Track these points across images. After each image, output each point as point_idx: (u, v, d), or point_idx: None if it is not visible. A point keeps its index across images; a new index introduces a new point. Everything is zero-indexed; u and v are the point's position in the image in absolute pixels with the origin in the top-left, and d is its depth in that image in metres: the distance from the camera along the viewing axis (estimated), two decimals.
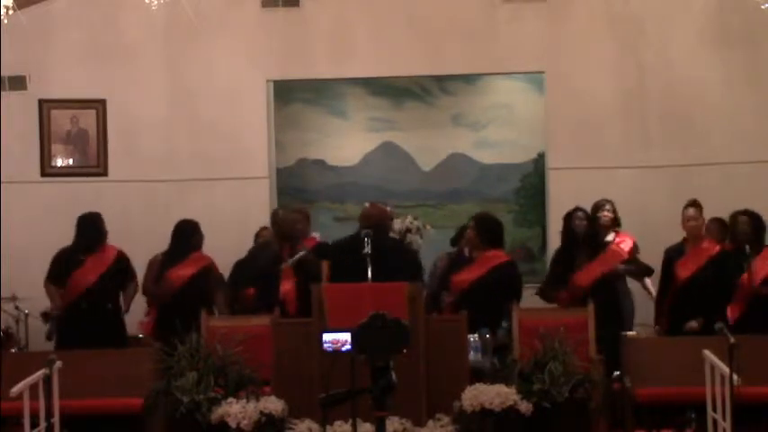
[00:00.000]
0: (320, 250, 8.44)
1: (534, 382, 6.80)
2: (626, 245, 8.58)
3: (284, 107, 11.06)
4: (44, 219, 9.87)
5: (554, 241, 9.47)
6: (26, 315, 9.44)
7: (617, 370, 7.54)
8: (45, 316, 9.03)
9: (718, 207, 8.59)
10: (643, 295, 8.85)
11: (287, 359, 7.12)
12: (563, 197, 9.43)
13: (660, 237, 8.66)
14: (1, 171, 9.73)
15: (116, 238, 8.79)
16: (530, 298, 8.60)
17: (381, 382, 4.40)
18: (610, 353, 7.48)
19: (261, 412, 6.74)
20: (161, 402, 6.95)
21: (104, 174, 10.32)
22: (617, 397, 7.36)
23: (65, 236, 8.66)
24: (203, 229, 9.02)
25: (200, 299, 8.22)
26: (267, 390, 7.01)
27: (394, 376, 4.42)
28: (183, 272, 8.53)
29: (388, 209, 8.83)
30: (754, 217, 8.19)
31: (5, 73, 9.98)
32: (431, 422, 6.86)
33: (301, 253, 8.28)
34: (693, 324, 7.86)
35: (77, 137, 10.34)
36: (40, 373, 6.48)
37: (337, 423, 6.68)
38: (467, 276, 8.05)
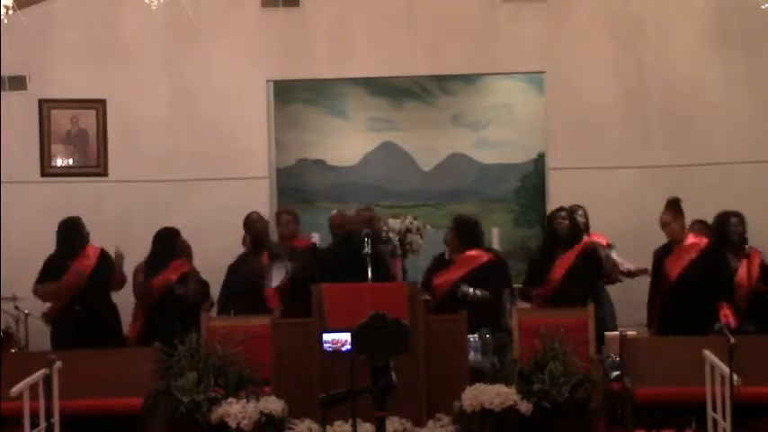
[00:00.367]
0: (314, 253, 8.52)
1: (534, 382, 6.81)
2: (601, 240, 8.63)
3: (284, 107, 11.06)
4: (44, 219, 9.83)
5: None
6: (26, 315, 9.43)
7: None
8: (45, 316, 9.02)
9: (719, 207, 8.59)
10: (630, 298, 8.81)
11: (287, 359, 7.12)
12: (563, 197, 9.42)
13: (660, 237, 8.64)
14: (1, 171, 9.73)
15: (116, 238, 8.79)
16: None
17: (381, 382, 4.41)
18: None
19: (261, 412, 6.74)
20: (161, 402, 6.95)
21: (104, 174, 10.32)
22: (617, 397, 7.35)
23: None
24: (203, 229, 9.04)
25: (182, 306, 8.23)
26: (267, 390, 7.01)
27: (394, 376, 4.42)
28: (165, 278, 8.49)
29: (373, 211, 8.87)
30: (743, 218, 8.22)
31: (5, 73, 9.98)
32: (431, 422, 6.87)
33: (287, 271, 8.32)
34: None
35: (77, 137, 10.34)
36: (40, 373, 6.47)
37: (337, 423, 6.69)
38: (447, 278, 8.03)
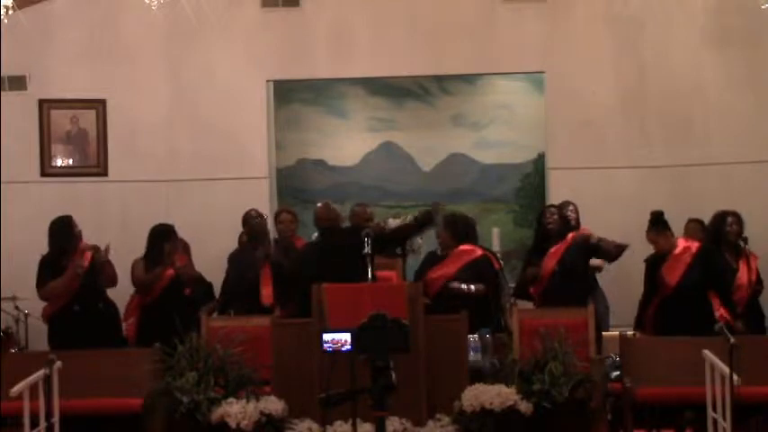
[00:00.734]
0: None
1: (534, 382, 6.80)
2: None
3: (284, 107, 11.06)
4: (44, 219, 9.81)
5: None
6: (26, 315, 9.44)
7: None
8: (43, 317, 9.01)
9: (719, 207, 8.59)
10: (627, 298, 8.80)
11: (287, 359, 7.12)
12: (563, 197, 9.41)
13: None
14: (1, 171, 9.73)
15: (116, 238, 8.77)
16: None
17: (381, 382, 4.41)
18: None
19: (261, 412, 6.73)
20: (161, 402, 6.94)
21: (104, 174, 10.32)
22: (617, 397, 7.35)
23: None
24: (203, 229, 9.04)
25: (180, 301, 8.23)
26: (267, 390, 7.01)
27: (394, 376, 4.42)
28: (166, 272, 8.45)
29: (368, 210, 8.86)
30: (740, 218, 8.21)
31: (5, 73, 9.98)
32: (431, 422, 6.85)
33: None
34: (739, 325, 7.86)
35: (77, 137, 10.34)
36: (40, 373, 6.47)
37: (337, 423, 6.68)
38: (441, 273, 8.01)
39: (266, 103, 10.47)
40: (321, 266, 7.41)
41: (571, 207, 8.84)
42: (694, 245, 8.10)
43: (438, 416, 6.87)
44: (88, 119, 10.32)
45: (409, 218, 8.28)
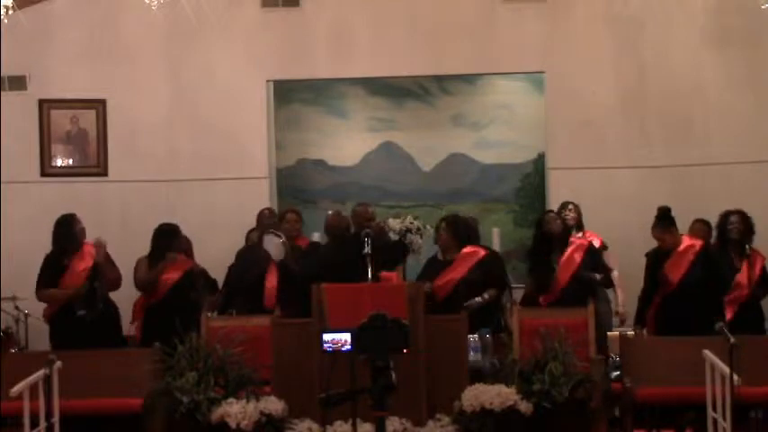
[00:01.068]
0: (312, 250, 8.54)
1: (534, 382, 6.80)
2: (595, 241, 8.60)
3: (284, 107, 11.05)
4: (44, 219, 9.82)
5: None
6: (26, 315, 9.44)
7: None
8: (45, 317, 9.01)
9: (718, 207, 8.59)
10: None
11: (287, 359, 7.12)
12: (563, 197, 9.42)
13: None
14: (1, 171, 9.73)
15: (116, 238, 8.79)
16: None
17: (381, 382, 4.40)
18: None
19: (261, 412, 6.74)
20: (161, 402, 6.94)
21: (104, 174, 10.32)
22: (617, 397, 7.35)
23: None
24: (203, 228, 9.03)
25: (185, 303, 8.22)
26: (267, 390, 7.01)
27: (394, 376, 4.42)
28: (169, 276, 8.45)
29: (370, 210, 8.86)
30: (745, 216, 8.20)
31: (5, 73, 9.98)
32: (431, 422, 6.86)
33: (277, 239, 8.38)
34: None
35: (77, 137, 10.34)
36: (40, 373, 6.48)
37: (337, 423, 6.68)
38: (450, 277, 8.01)
39: (266, 103, 10.47)
40: (333, 272, 7.41)
41: (570, 207, 8.80)
42: (698, 243, 8.11)
43: (438, 416, 6.88)
44: (88, 119, 10.32)
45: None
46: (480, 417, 6.68)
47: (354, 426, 5.56)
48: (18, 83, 10.20)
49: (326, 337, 4.80)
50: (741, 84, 10.07)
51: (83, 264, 8.35)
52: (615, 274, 8.75)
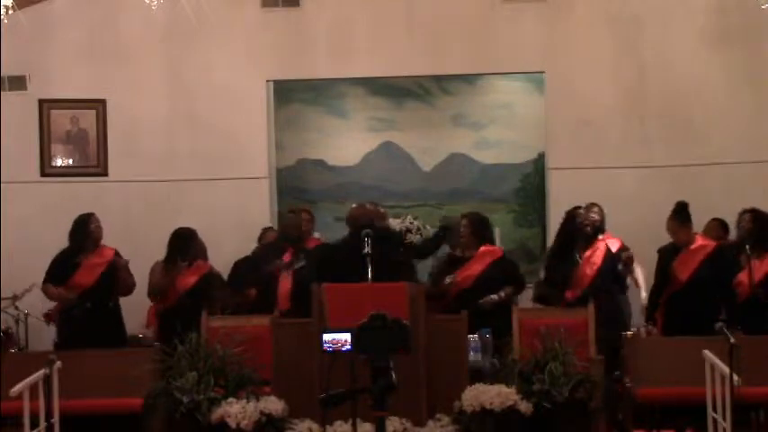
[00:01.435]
0: (318, 251, 8.50)
1: (534, 382, 6.80)
2: (613, 244, 8.56)
3: (284, 107, 11.05)
4: (44, 219, 9.87)
5: None
6: (26, 315, 9.45)
7: (615, 370, 7.52)
8: (47, 317, 9.04)
9: (719, 207, 8.60)
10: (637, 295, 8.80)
11: (287, 359, 7.12)
12: (563, 197, 9.43)
13: (660, 237, 8.63)
14: (1, 171, 9.73)
15: (116, 238, 8.78)
16: (527, 296, 8.60)
17: (381, 382, 4.40)
18: (608, 353, 7.46)
19: (261, 412, 6.73)
20: (161, 402, 6.94)
21: (104, 174, 10.33)
22: (617, 397, 7.35)
23: (65, 236, 8.66)
24: (203, 228, 8.99)
25: (201, 308, 8.23)
26: (267, 390, 7.01)
27: (394, 376, 4.42)
28: (187, 280, 8.45)
29: (381, 209, 8.86)
30: (758, 215, 8.17)
31: (5, 73, 9.98)
32: (431, 422, 6.85)
33: (297, 265, 8.34)
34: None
35: (77, 137, 10.34)
36: (40, 373, 6.48)
37: (337, 423, 6.68)
38: (468, 272, 8.05)
39: (266, 103, 10.46)
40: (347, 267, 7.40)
41: (596, 209, 8.69)
42: (711, 244, 8.12)
43: (438, 416, 6.87)
44: (88, 119, 10.32)
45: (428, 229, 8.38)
46: (480, 417, 6.68)
47: (354, 426, 5.56)
48: (18, 83, 10.21)
49: (326, 337, 4.79)
50: (741, 84, 10.06)
51: (96, 262, 8.43)
52: (638, 272, 8.73)
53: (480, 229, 8.25)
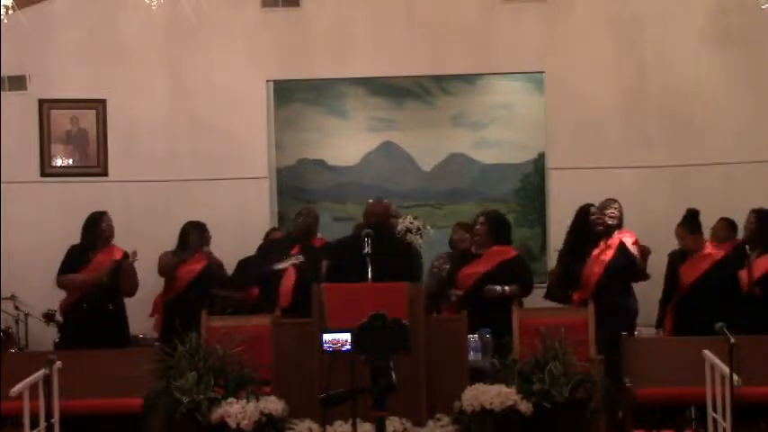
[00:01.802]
0: (324, 250, 8.49)
1: (534, 382, 6.79)
2: (627, 239, 8.55)
3: (284, 107, 11.06)
4: (44, 219, 9.87)
5: (554, 241, 9.48)
6: (26, 315, 9.45)
7: (618, 370, 7.50)
8: (47, 317, 9.05)
9: (719, 207, 8.59)
10: (646, 296, 8.79)
11: (287, 359, 7.12)
12: (563, 197, 9.43)
13: (660, 237, 8.66)
14: (1, 171, 9.73)
15: (116, 238, 8.79)
16: (533, 297, 8.59)
17: (381, 382, 4.40)
18: (612, 353, 7.45)
19: (261, 412, 6.73)
20: (161, 402, 6.94)
21: (104, 174, 10.33)
22: (617, 397, 7.34)
23: (65, 236, 8.69)
24: None
25: (205, 297, 8.34)
26: (267, 390, 7.01)
27: (394, 376, 4.42)
28: (192, 267, 8.78)
29: (393, 207, 8.88)
30: (761, 215, 8.18)
31: (5, 73, 9.98)
32: (431, 422, 6.85)
33: (295, 260, 8.34)
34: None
35: (77, 137, 10.34)
36: (40, 373, 6.48)
37: (337, 423, 6.67)
38: (474, 270, 8.05)
39: (266, 103, 10.47)
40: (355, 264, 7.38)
41: (615, 206, 8.63)
42: (719, 253, 8.13)
43: (438, 416, 6.87)
44: (88, 119, 10.32)
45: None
46: (480, 417, 6.67)
47: (354, 426, 5.56)
48: (18, 83, 10.21)
49: (326, 337, 4.80)
50: (741, 83, 10.07)
51: (107, 258, 8.54)
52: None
53: (496, 229, 8.17)
